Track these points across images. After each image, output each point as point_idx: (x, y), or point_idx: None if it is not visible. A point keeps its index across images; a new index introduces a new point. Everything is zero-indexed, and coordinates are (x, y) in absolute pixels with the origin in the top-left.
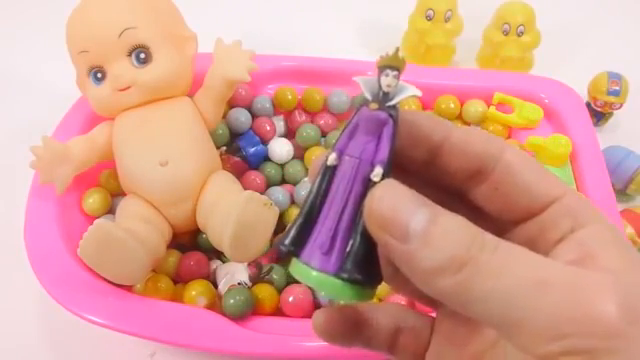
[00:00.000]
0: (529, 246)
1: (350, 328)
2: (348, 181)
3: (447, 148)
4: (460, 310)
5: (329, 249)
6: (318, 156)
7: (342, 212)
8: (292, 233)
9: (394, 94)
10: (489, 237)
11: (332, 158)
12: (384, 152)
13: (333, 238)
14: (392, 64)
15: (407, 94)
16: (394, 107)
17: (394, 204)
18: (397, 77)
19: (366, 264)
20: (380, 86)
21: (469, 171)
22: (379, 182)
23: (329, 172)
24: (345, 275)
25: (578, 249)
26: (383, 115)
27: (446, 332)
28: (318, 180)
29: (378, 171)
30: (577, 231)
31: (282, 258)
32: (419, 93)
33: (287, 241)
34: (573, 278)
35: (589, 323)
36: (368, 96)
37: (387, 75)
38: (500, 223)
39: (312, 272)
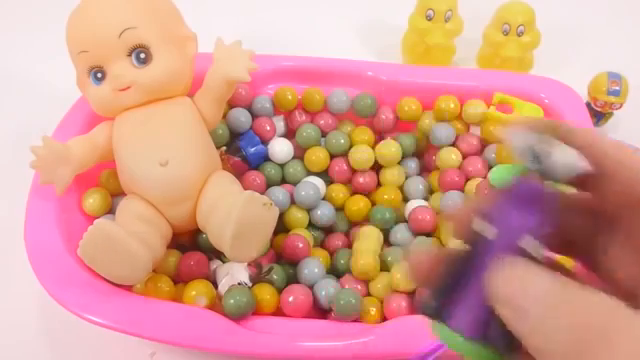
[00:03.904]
0: None
1: None
2: (489, 253)
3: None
4: None
5: (476, 318)
6: (462, 210)
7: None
8: (438, 294)
9: (560, 165)
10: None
11: (477, 224)
12: (537, 223)
13: (480, 308)
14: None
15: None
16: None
17: (518, 283)
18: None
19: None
20: (540, 154)
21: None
22: (506, 259)
23: (478, 238)
24: (488, 343)
25: None
26: (545, 189)
27: None
28: (467, 241)
29: (528, 241)
30: None
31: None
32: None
33: (433, 302)
34: None
35: None
36: (529, 164)
37: (564, 151)
38: None
39: (458, 338)
